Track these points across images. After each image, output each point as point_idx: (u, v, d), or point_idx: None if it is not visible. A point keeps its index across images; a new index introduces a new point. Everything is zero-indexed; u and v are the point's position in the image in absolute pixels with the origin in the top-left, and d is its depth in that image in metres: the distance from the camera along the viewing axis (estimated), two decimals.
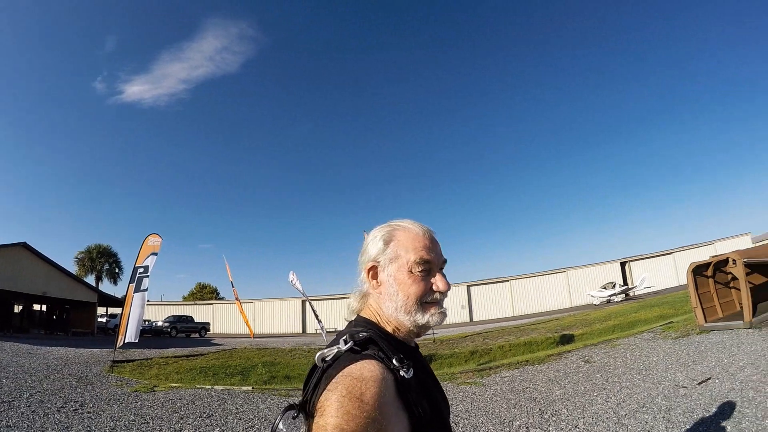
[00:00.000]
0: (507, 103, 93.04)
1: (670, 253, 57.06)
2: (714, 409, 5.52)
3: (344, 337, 1.12)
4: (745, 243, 56.81)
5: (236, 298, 33.89)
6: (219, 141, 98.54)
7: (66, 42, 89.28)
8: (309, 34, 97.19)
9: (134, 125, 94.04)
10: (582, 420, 6.01)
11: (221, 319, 47.63)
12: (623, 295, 42.43)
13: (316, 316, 23.40)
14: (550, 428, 5.84)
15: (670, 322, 15.07)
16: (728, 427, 4.80)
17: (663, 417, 5.56)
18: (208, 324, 36.75)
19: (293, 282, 22.95)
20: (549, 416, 6.36)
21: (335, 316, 47.13)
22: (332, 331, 38.31)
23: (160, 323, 32.61)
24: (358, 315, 1.32)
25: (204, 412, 7.79)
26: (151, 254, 16.47)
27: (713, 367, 7.56)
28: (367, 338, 1.13)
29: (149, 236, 16.67)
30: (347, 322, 1.33)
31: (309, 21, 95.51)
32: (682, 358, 8.83)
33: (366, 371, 1.01)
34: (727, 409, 5.39)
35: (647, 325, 16.33)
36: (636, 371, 8.51)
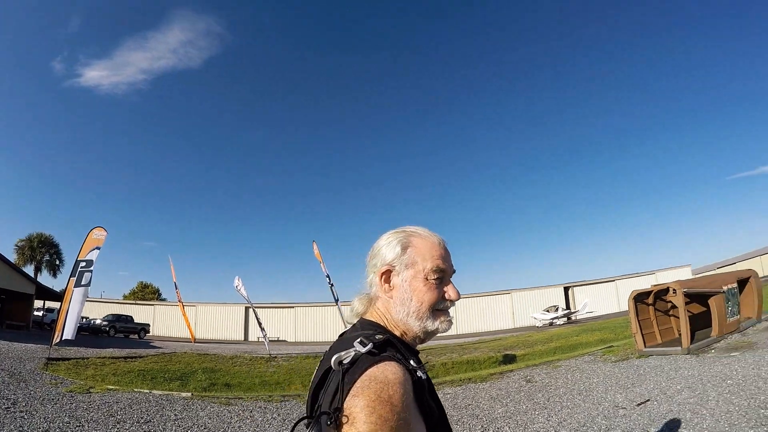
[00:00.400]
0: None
1: (613, 281, 59.31)
2: (652, 430, 5.49)
3: (359, 339, 1.07)
4: (685, 274, 59.76)
5: (179, 300, 32.44)
6: (173, 136, 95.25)
7: (29, 16, 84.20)
8: (277, 36, 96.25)
9: (89, 111, 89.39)
10: None
11: (162, 320, 45.60)
12: (565, 319, 43.61)
13: (260, 324, 22.63)
14: None
15: (610, 346, 15.44)
16: None
17: None
18: (148, 325, 35.28)
19: (238, 287, 22.28)
20: None
21: (278, 324, 46.10)
22: (275, 340, 37.43)
23: (98, 321, 30.81)
24: (362, 318, 1.28)
25: (141, 418, 7.45)
26: (95, 248, 15.57)
27: (652, 389, 7.63)
28: (386, 340, 1.11)
29: (94, 229, 15.81)
30: (350, 325, 1.31)
31: (278, 22, 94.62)
32: (621, 380, 8.92)
33: (389, 373, 0.98)
34: (665, 430, 5.35)
35: (588, 348, 16.68)
36: (577, 392, 8.52)
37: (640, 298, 12.87)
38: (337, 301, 22.39)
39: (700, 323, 12.01)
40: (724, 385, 6.96)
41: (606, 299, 56.50)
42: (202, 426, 7.18)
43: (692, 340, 10.81)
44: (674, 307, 12.97)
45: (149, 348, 22.72)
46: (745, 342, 10.49)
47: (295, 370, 15.57)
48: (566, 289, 57.05)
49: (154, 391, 9.94)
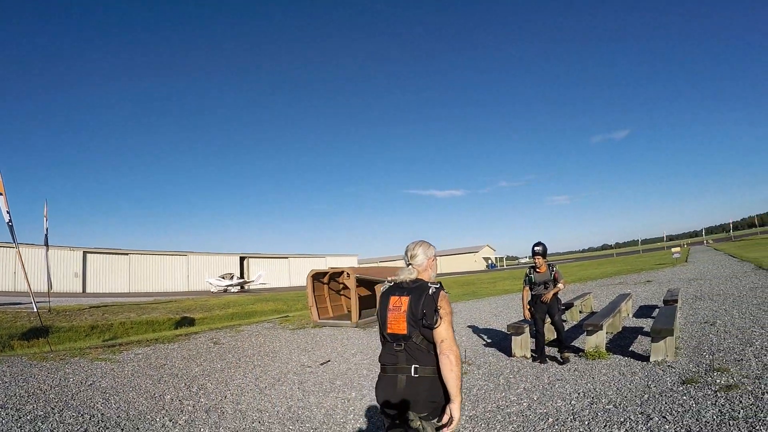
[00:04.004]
0: None
1: (287, 258, 64.57)
2: (338, 382, 6.79)
3: (435, 284, 2.70)
4: (352, 262, 69.63)
5: None
6: None
7: None
8: None
9: None
10: (228, 392, 6.37)
11: None
12: (239, 287, 45.33)
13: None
14: (201, 399, 5.98)
15: (286, 316, 17.13)
16: (353, 393, 6.09)
17: (298, 388, 6.48)
18: None
19: None
20: (197, 390, 6.45)
21: None
22: None
23: None
24: (417, 277, 2.76)
25: None
26: None
27: (330, 353, 9.15)
28: (439, 282, 2.73)
29: None
30: (409, 280, 2.76)
31: None
32: (302, 345, 10.24)
33: (445, 293, 2.67)
34: (347, 381, 6.75)
35: (264, 316, 18.03)
36: (264, 353, 9.39)
37: (317, 276, 14.43)
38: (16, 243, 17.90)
39: (365, 304, 14.51)
40: None
41: (279, 273, 61.20)
42: None
43: (360, 316, 13.17)
44: (346, 288, 15.26)
45: None
46: None
47: None
48: (242, 259, 59.13)
49: None
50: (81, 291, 42.08)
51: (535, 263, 7.24)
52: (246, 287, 47.52)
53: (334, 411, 5.48)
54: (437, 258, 2.96)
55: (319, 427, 4.96)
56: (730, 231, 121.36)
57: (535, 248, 7.18)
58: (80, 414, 5.20)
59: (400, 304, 2.67)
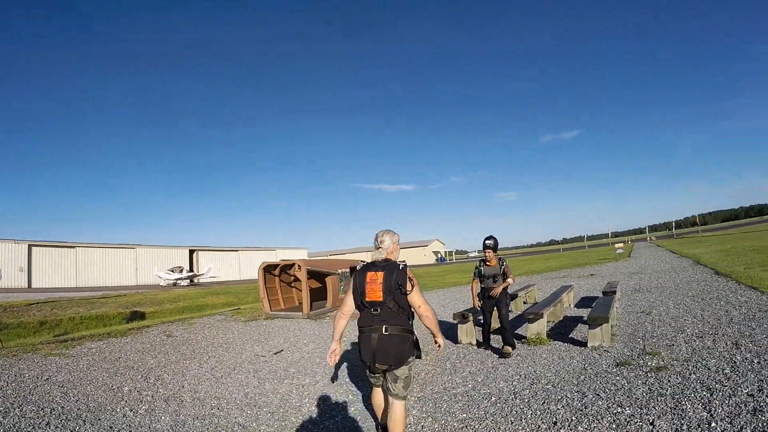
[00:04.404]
0: None
1: (236, 251, 63.71)
2: (292, 370, 7.24)
3: (402, 262, 3.73)
4: (301, 254, 69.29)
5: None
6: None
7: None
8: None
9: None
10: (186, 382, 6.69)
11: None
12: (189, 281, 44.56)
13: None
14: (159, 389, 6.28)
15: (238, 308, 17.28)
16: (307, 380, 6.57)
17: (254, 376, 6.89)
18: None
19: None
20: (154, 381, 6.72)
21: None
22: None
23: None
24: (386, 258, 3.80)
25: None
26: None
27: (283, 343, 9.53)
28: (405, 261, 3.73)
29: None
30: (380, 259, 3.79)
31: None
32: (255, 336, 10.56)
33: (410, 269, 3.72)
34: (301, 369, 7.20)
35: (216, 309, 18.08)
36: (218, 345, 9.65)
37: (268, 269, 14.55)
38: None
39: (316, 296, 14.76)
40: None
41: (228, 266, 60.36)
42: None
43: (311, 308, 13.53)
44: (297, 280, 15.51)
45: None
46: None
47: None
48: (191, 252, 57.99)
49: None
50: (27, 286, 40.36)
51: (485, 256, 7.35)
52: (195, 281, 46.75)
53: (290, 396, 5.92)
54: (399, 244, 3.95)
55: (276, 411, 5.39)
56: (672, 229, 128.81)
57: (486, 242, 7.28)
58: (40, 408, 5.38)
59: (376, 278, 3.65)
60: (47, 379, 6.74)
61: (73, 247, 46.45)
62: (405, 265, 3.71)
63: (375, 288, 3.63)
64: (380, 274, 3.65)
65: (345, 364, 7.23)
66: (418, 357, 3.86)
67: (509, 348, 7.11)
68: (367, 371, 3.86)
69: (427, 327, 3.81)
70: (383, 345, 3.58)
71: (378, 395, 4.03)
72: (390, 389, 3.72)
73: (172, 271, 44.85)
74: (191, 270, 51.15)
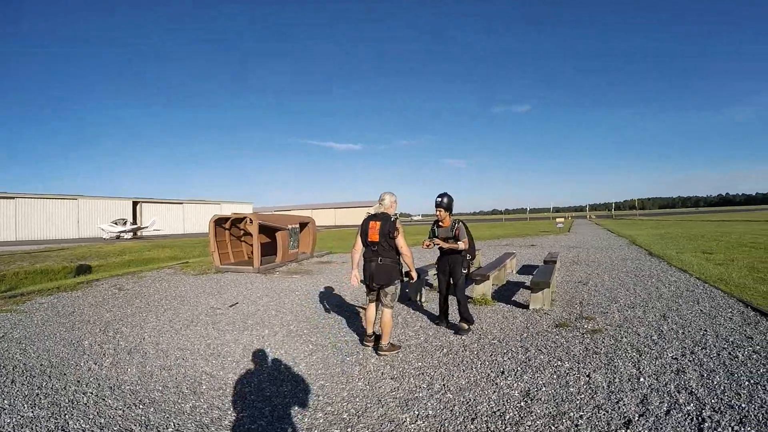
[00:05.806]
0: None
1: (181, 203, 62.01)
2: (250, 321, 7.46)
3: (394, 215, 5.56)
4: (247, 209, 68.22)
5: None
6: None
7: None
8: None
9: None
10: (146, 333, 6.80)
11: None
12: (132, 233, 43.36)
13: None
14: (120, 342, 6.43)
15: (186, 262, 17.23)
16: (266, 331, 6.94)
17: (213, 327, 7.03)
18: None
19: None
20: (113, 334, 6.80)
21: None
22: None
23: None
24: (384, 212, 5.55)
25: None
26: None
27: (236, 296, 9.70)
28: (396, 215, 5.43)
29: None
30: (380, 213, 5.59)
31: None
32: (207, 289, 10.67)
33: (399, 221, 5.43)
34: (259, 321, 7.45)
35: (163, 263, 17.88)
36: (172, 298, 9.72)
37: (219, 222, 14.59)
38: None
39: (266, 251, 14.97)
40: (293, 295, 9.67)
41: (173, 220, 58.88)
42: None
43: (261, 262, 13.82)
44: (247, 234, 15.66)
45: None
46: (302, 269, 13.99)
47: None
48: (135, 204, 56.06)
49: None
50: None
51: (437, 216, 6.58)
52: (139, 234, 45.52)
53: (252, 345, 6.14)
54: (395, 203, 5.65)
55: (241, 359, 5.59)
56: (612, 210, 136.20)
57: (437, 199, 6.50)
58: (2, 366, 5.36)
59: (375, 225, 5.45)
60: (3, 336, 6.70)
61: (13, 197, 43.79)
62: (396, 218, 5.48)
63: (374, 232, 5.42)
64: (378, 223, 5.43)
65: (301, 318, 7.62)
66: (402, 281, 5.58)
67: (464, 324, 6.48)
68: (366, 289, 5.74)
69: (404, 263, 5.58)
70: (378, 270, 5.44)
71: (371, 310, 5.80)
72: (382, 301, 5.55)
73: (116, 223, 43.33)
74: (135, 222, 49.65)
